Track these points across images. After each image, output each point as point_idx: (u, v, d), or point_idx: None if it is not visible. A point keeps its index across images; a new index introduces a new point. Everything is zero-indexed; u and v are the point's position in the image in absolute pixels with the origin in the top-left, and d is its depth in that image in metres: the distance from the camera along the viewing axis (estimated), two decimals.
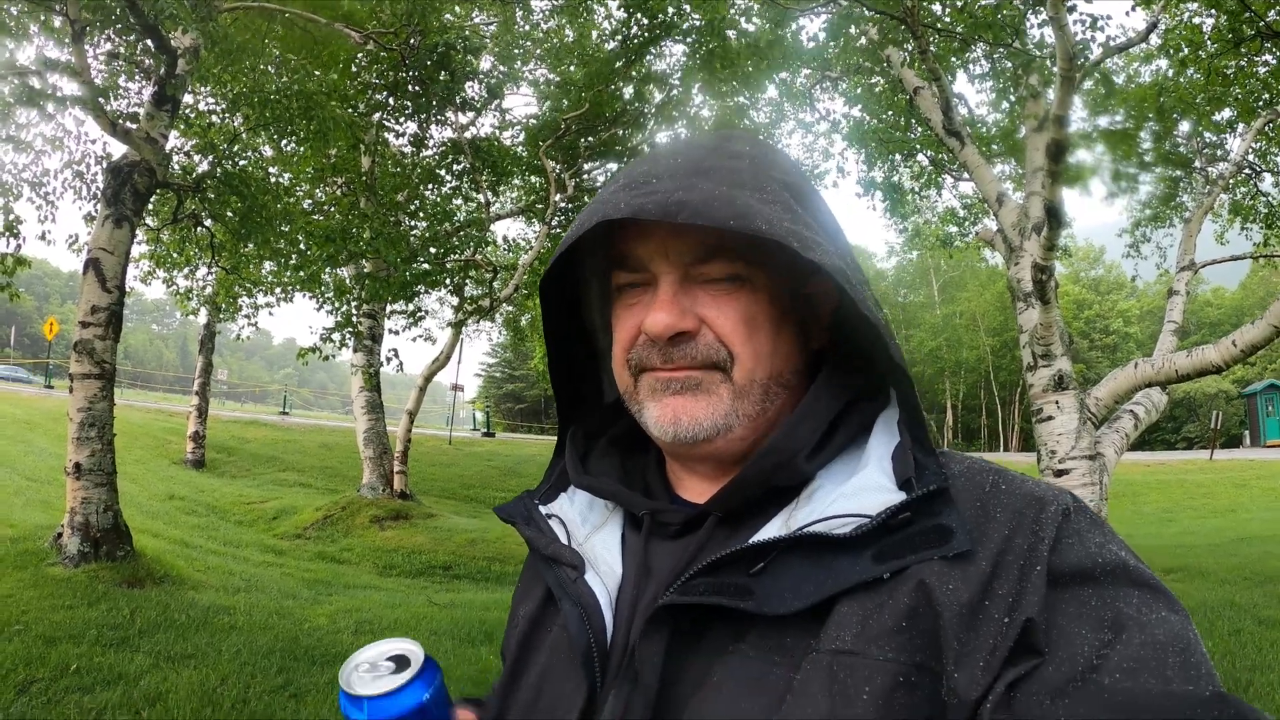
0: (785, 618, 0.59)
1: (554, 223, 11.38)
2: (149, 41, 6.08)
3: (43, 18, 7.04)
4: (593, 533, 0.75)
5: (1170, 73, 8.14)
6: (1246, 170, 8.84)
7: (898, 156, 9.65)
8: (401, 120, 10.27)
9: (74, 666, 4.39)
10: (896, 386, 0.69)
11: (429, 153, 11.32)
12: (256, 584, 7.19)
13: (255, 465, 16.06)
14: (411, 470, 13.17)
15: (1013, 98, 7.68)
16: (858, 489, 0.62)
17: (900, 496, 0.60)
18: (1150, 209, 9.51)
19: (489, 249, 11.45)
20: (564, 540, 0.74)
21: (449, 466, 18.79)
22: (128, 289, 6.93)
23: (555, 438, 0.86)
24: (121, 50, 7.65)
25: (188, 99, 8.59)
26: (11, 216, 7.89)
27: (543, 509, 0.78)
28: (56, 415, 14.51)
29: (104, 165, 7.87)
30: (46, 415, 15.72)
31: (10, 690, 3.99)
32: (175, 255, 11.84)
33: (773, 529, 0.64)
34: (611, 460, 0.81)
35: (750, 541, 0.62)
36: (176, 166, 9.01)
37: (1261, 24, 6.47)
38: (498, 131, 12.08)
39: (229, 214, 8.04)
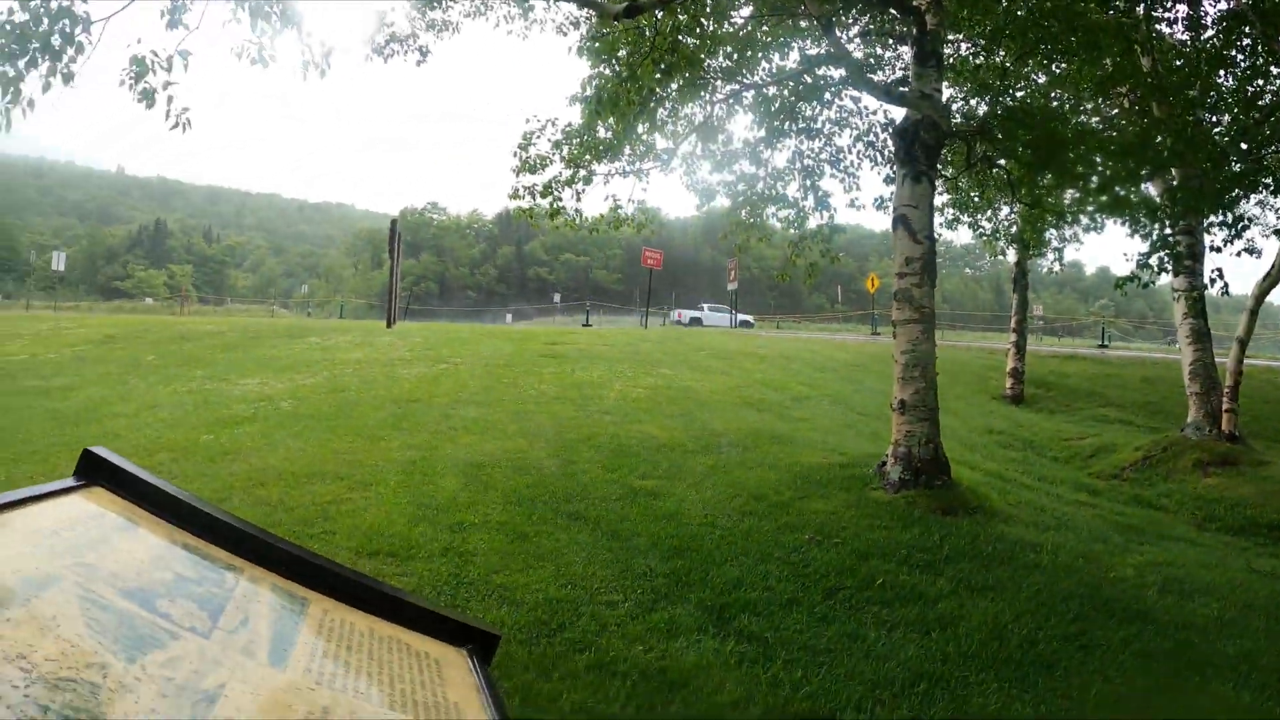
0: None
1: None
2: (891, 10, 6.37)
3: (789, 23, 8.01)
4: None
5: None
6: None
7: None
8: (1169, 5, 8.48)
9: (879, 581, 4.88)
10: None
11: (1209, 34, 9.31)
12: (1066, 523, 6.86)
13: (1073, 400, 15.40)
14: (1243, 408, 10.85)
15: None
16: None
17: None
18: None
19: None
20: None
21: None
22: (936, 237, 7.28)
23: None
24: (870, 28, 8.22)
25: (947, 49, 8.71)
26: (820, 193, 9.35)
27: None
28: (882, 358, 16.41)
29: (890, 130, 8.59)
30: (873, 358, 17.88)
31: (819, 593, 4.72)
32: (975, 199, 12.32)
33: None
34: None
35: None
36: (958, 115, 9.25)
37: None
38: None
39: (1019, 149, 7.86)
